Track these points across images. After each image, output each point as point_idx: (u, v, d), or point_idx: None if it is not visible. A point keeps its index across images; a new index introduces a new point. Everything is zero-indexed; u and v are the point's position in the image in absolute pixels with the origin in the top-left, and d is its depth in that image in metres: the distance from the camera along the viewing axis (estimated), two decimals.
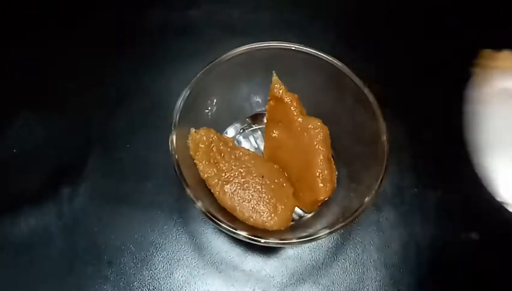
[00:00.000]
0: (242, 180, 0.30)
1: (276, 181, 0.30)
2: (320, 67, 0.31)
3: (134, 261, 0.32)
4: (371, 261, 0.32)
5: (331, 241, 0.33)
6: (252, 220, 0.29)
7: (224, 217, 0.27)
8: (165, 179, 0.35)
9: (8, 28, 0.44)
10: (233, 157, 0.31)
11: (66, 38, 0.43)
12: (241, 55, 0.31)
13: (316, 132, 0.29)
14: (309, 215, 0.31)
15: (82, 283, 0.31)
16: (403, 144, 0.37)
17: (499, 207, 0.35)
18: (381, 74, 0.41)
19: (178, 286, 0.31)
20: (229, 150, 0.31)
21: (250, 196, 0.29)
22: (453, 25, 0.45)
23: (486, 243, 0.33)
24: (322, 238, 0.25)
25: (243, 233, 0.25)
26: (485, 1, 0.46)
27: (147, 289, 0.31)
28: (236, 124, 0.35)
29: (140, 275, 0.32)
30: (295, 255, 0.32)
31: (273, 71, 0.31)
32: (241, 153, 0.31)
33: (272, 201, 0.29)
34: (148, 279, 0.32)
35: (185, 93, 0.29)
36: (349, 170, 0.31)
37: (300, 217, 0.31)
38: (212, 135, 0.30)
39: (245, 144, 0.35)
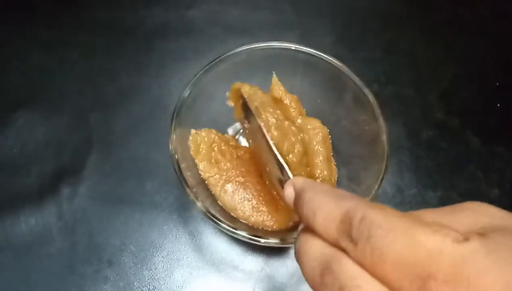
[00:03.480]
0: (243, 179, 0.30)
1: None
2: (320, 67, 0.31)
3: (134, 261, 0.32)
4: None
5: None
6: (252, 219, 0.29)
7: (224, 217, 0.27)
8: (165, 179, 0.35)
9: (9, 29, 0.44)
10: (234, 156, 0.31)
11: (66, 38, 0.43)
12: (241, 55, 0.31)
13: (315, 133, 0.29)
14: None
15: (82, 283, 0.31)
16: (403, 145, 0.37)
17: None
18: (381, 74, 0.41)
19: (178, 286, 0.31)
20: (231, 149, 0.31)
21: (251, 195, 0.29)
22: (451, 25, 0.45)
23: None
24: None
25: (243, 233, 0.25)
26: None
27: (147, 289, 0.31)
28: (236, 124, 0.35)
29: (140, 275, 0.32)
30: None
31: (273, 72, 0.31)
32: (242, 152, 0.31)
33: (272, 201, 0.29)
34: (148, 279, 0.32)
35: (185, 93, 0.29)
36: (349, 170, 0.31)
37: None
38: (213, 136, 0.30)
39: (245, 144, 0.35)
